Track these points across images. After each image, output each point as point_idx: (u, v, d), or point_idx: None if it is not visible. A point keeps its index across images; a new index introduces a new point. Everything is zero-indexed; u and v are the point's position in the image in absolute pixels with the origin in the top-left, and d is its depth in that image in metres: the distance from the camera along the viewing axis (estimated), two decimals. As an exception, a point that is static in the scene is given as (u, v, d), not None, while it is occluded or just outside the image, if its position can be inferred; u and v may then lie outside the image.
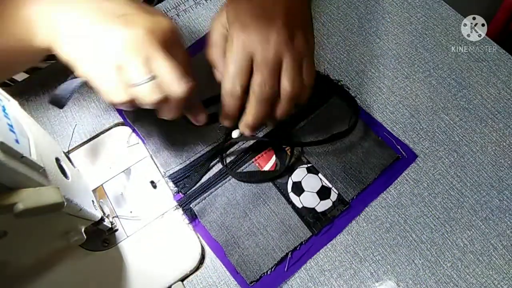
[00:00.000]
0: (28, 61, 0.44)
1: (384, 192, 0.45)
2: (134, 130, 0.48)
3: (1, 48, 0.38)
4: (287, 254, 0.42)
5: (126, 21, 0.35)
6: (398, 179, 0.45)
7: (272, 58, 0.38)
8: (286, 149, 0.47)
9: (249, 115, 0.40)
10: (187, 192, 0.45)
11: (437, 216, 0.44)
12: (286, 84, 0.38)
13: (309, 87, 0.40)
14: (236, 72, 0.38)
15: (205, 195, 0.45)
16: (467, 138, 0.47)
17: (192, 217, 0.44)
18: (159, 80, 0.35)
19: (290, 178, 0.45)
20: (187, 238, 0.43)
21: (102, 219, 0.39)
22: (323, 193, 0.44)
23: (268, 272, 0.41)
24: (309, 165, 0.46)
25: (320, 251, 0.42)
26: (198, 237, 0.43)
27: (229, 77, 0.39)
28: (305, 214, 0.43)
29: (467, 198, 0.44)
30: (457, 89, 0.50)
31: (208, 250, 0.43)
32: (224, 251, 0.42)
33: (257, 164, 0.46)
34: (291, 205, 0.44)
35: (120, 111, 0.50)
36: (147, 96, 0.35)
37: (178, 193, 0.45)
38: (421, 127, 0.48)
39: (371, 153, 0.46)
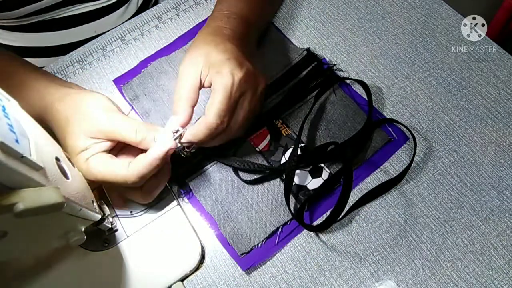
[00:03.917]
0: None
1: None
2: (132, 108, 0.51)
3: None
4: (277, 228, 0.43)
5: None
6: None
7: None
8: (281, 129, 0.48)
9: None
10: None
11: (437, 216, 0.44)
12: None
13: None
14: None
15: (200, 171, 0.46)
16: (467, 138, 0.47)
17: (187, 191, 0.45)
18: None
19: (283, 156, 0.46)
20: (187, 238, 0.43)
21: (102, 219, 0.39)
22: (315, 171, 0.45)
23: (259, 245, 0.43)
24: (302, 144, 0.47)
25: (320, 251, 0.43)
26: (198, 237, 0.43)
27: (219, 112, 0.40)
28: (297, 191, 0.44)
29: (467, 198, 0.44)
30: (457, 89, 0.50)
31: (208, 250, 0.43)
32: (217, 224, 0.44)
33: (252, 143, 0.47)
34: (284, 182, 0.45)
35: (120, 88, 0.52)
36: None
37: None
38: (421, 127, 0.48)
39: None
